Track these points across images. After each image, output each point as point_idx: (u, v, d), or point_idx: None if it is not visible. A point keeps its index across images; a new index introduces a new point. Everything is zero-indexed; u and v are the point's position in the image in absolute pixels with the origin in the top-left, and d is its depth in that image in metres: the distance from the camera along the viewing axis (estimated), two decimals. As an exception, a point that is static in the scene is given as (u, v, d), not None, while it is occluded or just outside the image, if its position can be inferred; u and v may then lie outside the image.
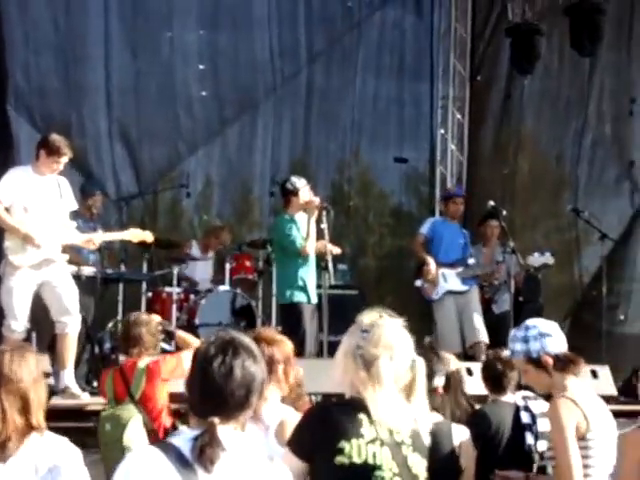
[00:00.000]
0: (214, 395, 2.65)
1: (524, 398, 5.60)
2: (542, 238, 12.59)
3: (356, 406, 3.16)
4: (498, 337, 9.22)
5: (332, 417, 3.16)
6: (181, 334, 6.70)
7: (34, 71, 11.17)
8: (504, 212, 9.61)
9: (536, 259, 9.62)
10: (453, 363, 4.62)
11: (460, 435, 3.78)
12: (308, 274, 8.64)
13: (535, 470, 5.57)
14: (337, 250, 8.83)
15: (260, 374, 2.71)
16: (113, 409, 6.02)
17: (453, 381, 4.50)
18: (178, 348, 6.95)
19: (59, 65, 11.33)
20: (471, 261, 9.99)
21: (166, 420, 6.09)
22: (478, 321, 9.74)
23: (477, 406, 5.46)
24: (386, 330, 3.23)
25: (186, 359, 5.79)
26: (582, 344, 11.22)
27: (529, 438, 5.44)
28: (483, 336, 9.55)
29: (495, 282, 10.23)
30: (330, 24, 12.63)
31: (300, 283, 8.57)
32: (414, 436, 3.20)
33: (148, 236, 8.14)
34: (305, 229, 8.56)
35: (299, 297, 8.57)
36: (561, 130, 12.70)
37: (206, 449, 2.58)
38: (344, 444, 3.09)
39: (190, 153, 12.00)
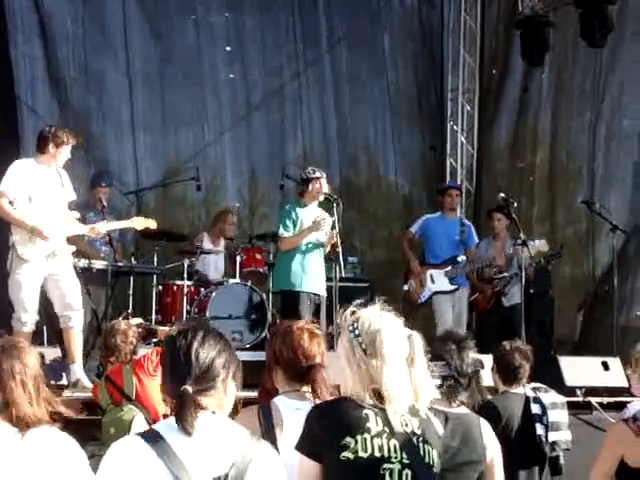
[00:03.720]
0: (178, 368, 2.81)
1: (534, 389, 5.60)
2: (555, 231, 12.56)
3: (360, 402, 3.14)
4: (509, 329, 9.21)
5: (335, 414, 3.15)
6: (164, 329, 6.75)
7: (52, 60, 11.19)
8: (514, 204, 9.56)
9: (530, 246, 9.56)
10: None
11: (487, 427, 3.78)
12: (308, 264, 8.56)
13: (547, 461, 5.59)
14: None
15: (222, 353, 2.87)
16: (114, 413, 6.03)
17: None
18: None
19: (78, 54, 11.34)
20: (461, 258, 9.95)
21: (165, 412, 6.09)
22: (463, 322, 9.81)
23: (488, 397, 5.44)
24: (371, 316, 3.23)
25: None
26: (594, 337, 11.31)
27: (539, 429, 5.44)
28: None
29: (503, 273, 10.19)
30: (350, 10, 12.65)
31: (296, 271, 8.51)
32: (424, 426, 3.17)
33: (152, 223, 8.14)
34: (308, 219, 8.55)
35: (294, 285, 8.49)
36: (575, 122, 12.66)
37: (180, 412, 2.74)
38: (349, 440, 3.07)
39: (211, 141, 12.02)
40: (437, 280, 9.84)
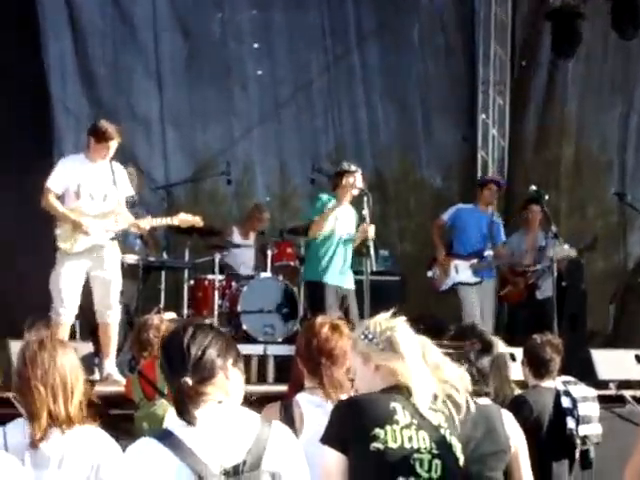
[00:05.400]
0: (175, 363, 2.87)
1: (564, 383, 5.58)
2: (586, 223, 12.50)
3: (387, 395, 3.18)
4: (542, 322, 9.17)
5: (363, 407, 3.18)
6: None
7: (82, 57, 11.25)
8: (546, 197, 9.52)
9: (560, 251, 9.58)
10: (500, 347, 4.58)
11: (508, 417, 3.79)
12: (336, 256, 8.58)
13: (578, 454, 5.57)
14: (371, 231, 8.69)
15: (213, 342, 2.89)
16: (146, 408, 6.05)
17: (497, 365, 4.46)
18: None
19: (107, 51, 11.40)
20: (487, 254, 9.92)
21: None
22: (488, 315, 9.76)
23: (518, 391, 5.44)
24: (381, 320, 3.30)
25: None
26: (627, 329, 11.25)
27: (570, 423, 5.43)
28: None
29: (535, 266, 10.16)
30: (378, 4, 12.63)
31: (323, 262, 8.54)
32: (449, 418, 3.22)
33: (197, 221, 8.16)
34: (335, 213, 8.57)
35: (323, 276, 8.52)
36: (606, 114, 12.58)
37: (179, 404, 2.80)
38: (378, 431, 3.10)
39: (240, 137, 12.06)
40: (461, 271, 9.84)
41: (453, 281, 9.82)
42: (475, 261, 9.82)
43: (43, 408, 3.18)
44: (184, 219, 8.10)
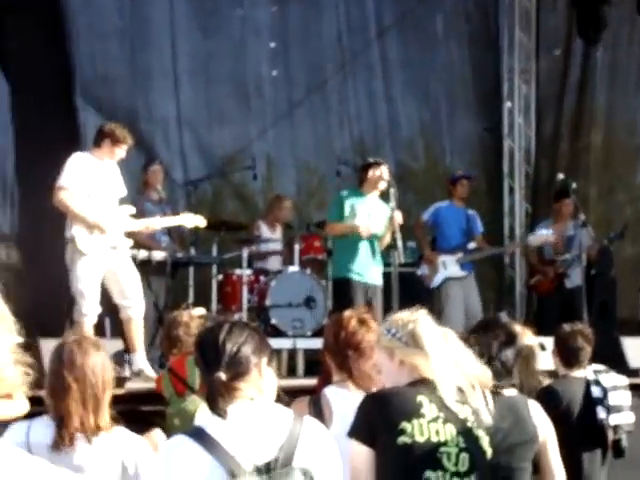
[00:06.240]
0: (209, 359, 2.88)
1: (595, 372, 5.55)
2: (615, 210, 12.43)
3: (413, 389, 3.20)
4: (571, 311, 9.13)
5: (390, 401, 3.19)
6: None
7: (100, 59, 11.34)
8: (574, 185, 9.47)
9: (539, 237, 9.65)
10: (527, 338, 4.56)
11: (536, 407, 3.79)
12: (363, 252, 8.55)
13: (610, 444, 5.53)
14: (399, 217, 8.65)
15: (249, 339, 2.90)
16: (177, 404, 6.07)
17: (524, 356, 4.44)
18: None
19: (125, 51, 11.47)
20: (471, 245, 9.92)
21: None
22: (476, 309, 9.75)
23: (547, 381, 5.41)
24: (403, 315, 3.33)
25: None
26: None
27: (601, 412, 5.39)
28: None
29: (564, 255, 10.13)
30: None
31: (350, 259, 8.52)
32: (475, 411, 3.22)
33: (200, 221, 8.16)
34: (366, 209, 8.55)
35: (349, 273, 8.51)
36: (634, 100, 12.50)
37: (211, 398, 2.81)
38: (405, 424, 3.12)
39: (259, 135, 12.07)
40: (449, 266, 9.84)
41: (443, 276, 9.81)
42: (461, 255, 9.84)
43: (73, 412, 3.18)
44: (188, 219, 8.14)
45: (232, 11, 11.93)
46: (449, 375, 3.20)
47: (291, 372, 9.39)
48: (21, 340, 2.12)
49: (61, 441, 3.19)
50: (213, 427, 2.78)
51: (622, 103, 12.60)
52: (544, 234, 9.67)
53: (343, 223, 8.56)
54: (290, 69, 12.17)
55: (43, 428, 3.27)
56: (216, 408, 2.79)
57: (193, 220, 8.14)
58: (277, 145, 12.26)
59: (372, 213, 8.61)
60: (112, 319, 8.40)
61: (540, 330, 5.71)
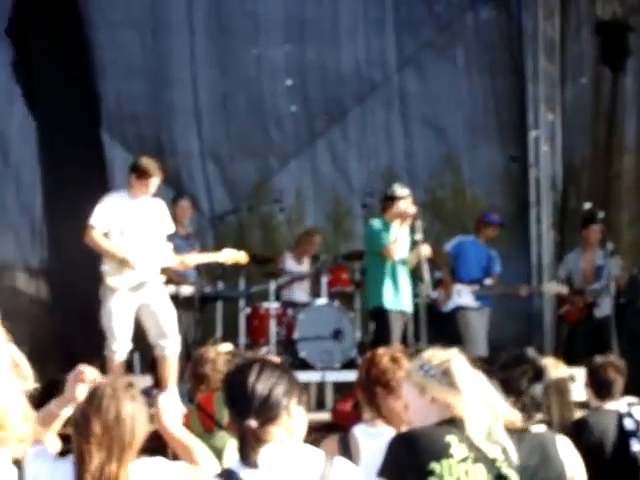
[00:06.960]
0: (239, 404, 2.86)
1: (628, 404, 5.49)
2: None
3: (442, 429, 3.18)
4: (601, 342, 9.06)
5: (419, 441, 3.18)
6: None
7: (124, 95, 11.47)
8: (601, 214, 9.43)
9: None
10: (558, 370, 4.51)
11: (564, 443, 3.75)
12: (399, 281, 8.53)
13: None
14: (427, 250, 8.64)
15: (279, 381, 2.88)
16: (206, 440, 6.04)
17: (557, 390, 4.38)
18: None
19: (148, 88, 11.60)
20: (488, 281, 9.97)
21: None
22: (483, 339, 9.74)
23: (579, 413, 5.36)
24: (435, 352, 3.32)
25: None
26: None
27: (635, 445, 5.33)
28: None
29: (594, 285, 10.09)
30: (418, 28, 12.60)
31: (388, 289, 8.48)
32: (505, 449, 3.20)
33: (242, 257, 8.13)
34: (394, 235, 8.51)
35: (387, 303, 8.47)
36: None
37: (241, 447, 2.79)
38: (434, 465, 3.09)
39: (281, 167, 12.11)
40: (463, 295, 9.85)
41: (455, 304, 9.82)
42: (477, 287, 9.85)
43: (95, 457, 3.13)
44: (230, 255, 8.09)
45: (248, 50, 12.00)
46: (481, 414, 3.17)
47: (320, 405, 9.35)
48: (36, 386, 2.12)
49: None
50: (244, 472, 2.77)
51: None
52: (558, 287, 9.66)
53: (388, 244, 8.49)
54: (309, 104, 12.19)
55: (66, 467, 3.23)
56: (247, 458, 2.77)
57: (235, 256, 8.10)
58: (299, 178, 12.28)
59: (399, 241, 8.57)
60: (141, 355, 8.41)
61: (570, 360, 5.67)
